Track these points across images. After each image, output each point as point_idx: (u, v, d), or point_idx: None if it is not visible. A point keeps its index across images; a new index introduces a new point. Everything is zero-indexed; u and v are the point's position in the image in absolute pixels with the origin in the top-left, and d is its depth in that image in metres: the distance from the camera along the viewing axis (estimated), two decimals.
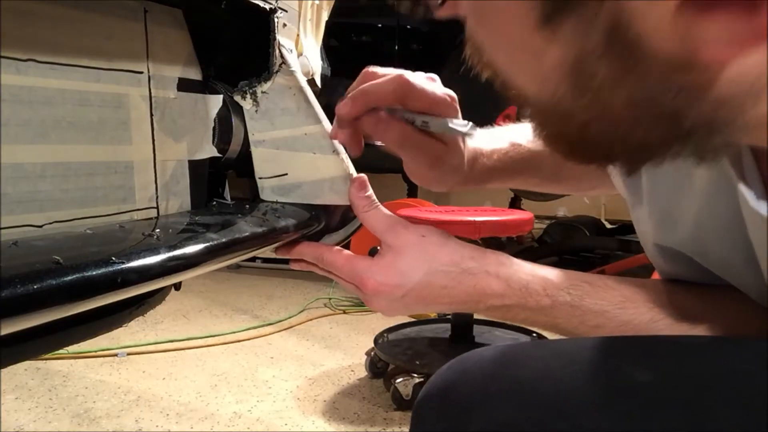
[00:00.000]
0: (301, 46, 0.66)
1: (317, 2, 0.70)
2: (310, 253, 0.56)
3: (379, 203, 0.55)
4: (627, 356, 0.40)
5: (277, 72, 0.58)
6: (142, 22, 0.53)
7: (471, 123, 0.51)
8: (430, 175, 0.58)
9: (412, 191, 3.07)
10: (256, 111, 0.59)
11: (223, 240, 0.48)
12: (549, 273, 0.52)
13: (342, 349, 2.08)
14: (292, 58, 0.60)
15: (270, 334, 2.23)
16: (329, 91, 0.81)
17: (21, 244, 0.39)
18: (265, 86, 0.58)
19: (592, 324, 0.49)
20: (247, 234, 0.51)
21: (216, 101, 0.60)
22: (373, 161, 0.74)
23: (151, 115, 0.54)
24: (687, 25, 0.26)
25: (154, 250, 0.41)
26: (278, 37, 0.58)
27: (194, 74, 0.60)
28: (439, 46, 2.83)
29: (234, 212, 0.60)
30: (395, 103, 0.52)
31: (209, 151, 0.59)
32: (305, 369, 1.90)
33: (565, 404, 0.37)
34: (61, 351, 1.84)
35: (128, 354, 1.98)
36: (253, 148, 0.60)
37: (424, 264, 0.51)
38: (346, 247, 0.59)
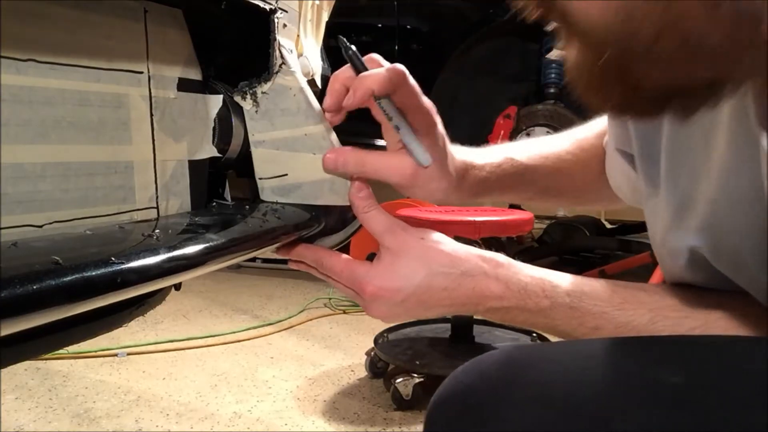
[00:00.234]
0: (302, 46, 0.66)
1: (317, 3, 0.70)
2: (309, 256, 0.56)
3: (378, 205, 0.55)
4: (652, 357, 0.40)
5: (277, 72, 0.58)
6: (142, 22, 0.53)
7: (431, 159, 0.53)
8: (414, 181, 0.56)
9: None
10: (256, 111, 0.59)
11: (223, 241, 0.48)
12: (547, 275, 0.52)
13: (342, 349, 2.08)
14: (292, 59, 0.60)
15: (270, 334, 2.23)
16: None
17: (20, 245, 0.39)
18: (265, 87, 0.58)
19: (591, 326, 0.49)
20: (246, 235, 0.51)
21: (216, 101, 0.60)
22: None
23: (151, 115, 0.54)
24: None
25: (153, 251, 0.41)
26: (278, 37, 0.58)
27: (194, 74, 0.60)
28: (439, 46, 2.83)
29: (234, 213, 0.60)
30: (387, 92, 0.51)
31: (209, 151, 0.59)
32: (305, 369, 1.90)
33: (594, 409, 0.37)
34: (61, 351, 1.84)
35: (128, 354, 1.98)
36: (253, 149, 0.60)
37: (423, 267, 0.51)
38: (346, 248, 0.59)
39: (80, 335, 0.56)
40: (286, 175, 0.60)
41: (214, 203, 0.63)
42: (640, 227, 3.45)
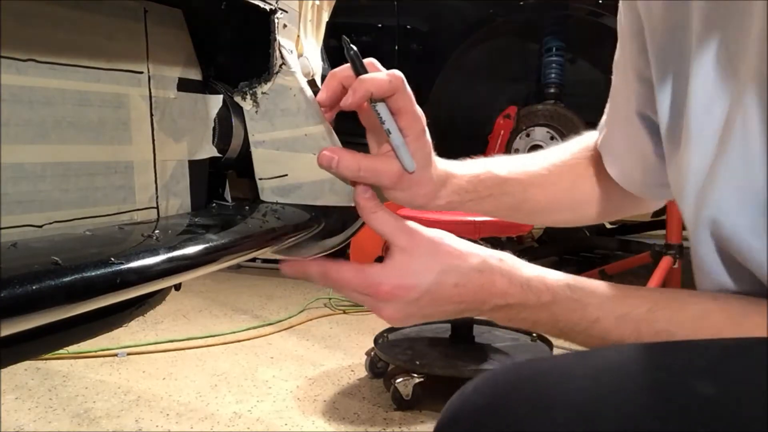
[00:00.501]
0: (302, 46, 0.66)
1: (318, 3, 0.70)
2: (316, 272, 0.55)
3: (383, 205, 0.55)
4: (680, 367, 0.40)
5: (277, 73, 0.58)
6: (142, 23, 0.53)
7: (416, 167, 0.55)
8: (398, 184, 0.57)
9: None
10: (256, 112, 0.59)
11: (223, 241, 0.48)
12: (548, 272, 0.53)
13: (342, 349, 2.08)
14: (292, 59, 0.60)
15: (270, 334, 2.23)
16: None
17: (20, 245, 0.39)
18: (266, 87, 0.58)
19: (592, 318, 0.50)
20: (246, 235, 0.51)
21: (216, 101, 0.60)
22: None
23: (151, 115, 0.54)
24: None
25: (153, 251, 0.41)
26: (278, 37, 0.58)
27: (194, 74, 0.60)
28: (439, 46, 2.84)
29: (234, 213, 0.60)
30: (385, 95, 0.52)
31: (209, 152, 0.59)
32: (305, 369, 1.90)
33: (631, 425, 0.36)
34: (61, 351, 1.84)
35: (128, 354, 1.98)
36: (253, 149, 0.60)
37: (436, 263, 0.52)
38: (345, 248, 0.59)
39: (80, 335, 0.56)
40: (286, 175, 0.60)
41: (214, 203, 0.63)
42: (640, 227, 3.45)
